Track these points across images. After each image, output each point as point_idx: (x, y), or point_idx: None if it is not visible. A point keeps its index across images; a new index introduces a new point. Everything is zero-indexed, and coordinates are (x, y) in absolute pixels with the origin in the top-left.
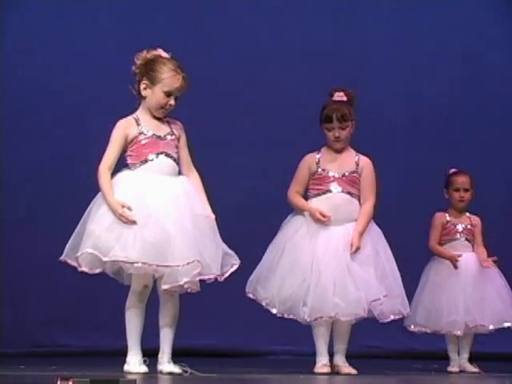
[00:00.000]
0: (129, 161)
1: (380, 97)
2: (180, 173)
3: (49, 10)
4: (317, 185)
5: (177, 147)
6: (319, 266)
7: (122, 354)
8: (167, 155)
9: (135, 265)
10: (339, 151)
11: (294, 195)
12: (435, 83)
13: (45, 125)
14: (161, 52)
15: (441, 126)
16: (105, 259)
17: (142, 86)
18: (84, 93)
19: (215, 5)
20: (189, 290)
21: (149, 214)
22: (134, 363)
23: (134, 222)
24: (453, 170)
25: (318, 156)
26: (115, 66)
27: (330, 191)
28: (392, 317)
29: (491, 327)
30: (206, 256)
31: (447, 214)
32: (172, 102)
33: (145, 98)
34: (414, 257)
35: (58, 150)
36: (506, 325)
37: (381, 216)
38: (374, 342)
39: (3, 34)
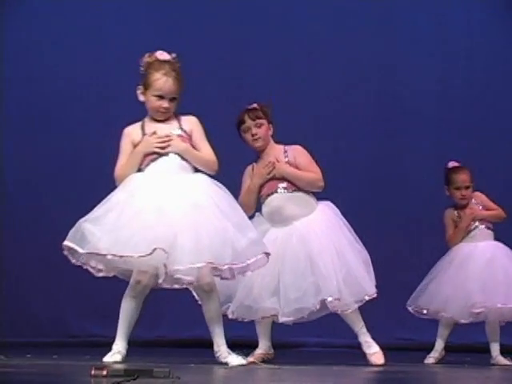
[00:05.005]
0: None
1: (412, 91)
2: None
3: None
4: (264, 188)
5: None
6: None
7: (154, 345)
8: (172, 154)
9: (107, 257)
10: (266, 153)
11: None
12: (468, 79)
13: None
14: (158, 55)
15: (473, 120)
16: (81, 251)
17: (138, 92)
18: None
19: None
20: (186, 285)
21: (124, 209)
22: (111, 353)
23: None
24: (451, 166)
25: (255, 166)
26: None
27: (274, 193)
28: (356, 305)
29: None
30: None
31: (456, 211)
32: (166, 104)
33: (144, 103)
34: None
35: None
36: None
37: (409, 209)
38: (405, 334)
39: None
